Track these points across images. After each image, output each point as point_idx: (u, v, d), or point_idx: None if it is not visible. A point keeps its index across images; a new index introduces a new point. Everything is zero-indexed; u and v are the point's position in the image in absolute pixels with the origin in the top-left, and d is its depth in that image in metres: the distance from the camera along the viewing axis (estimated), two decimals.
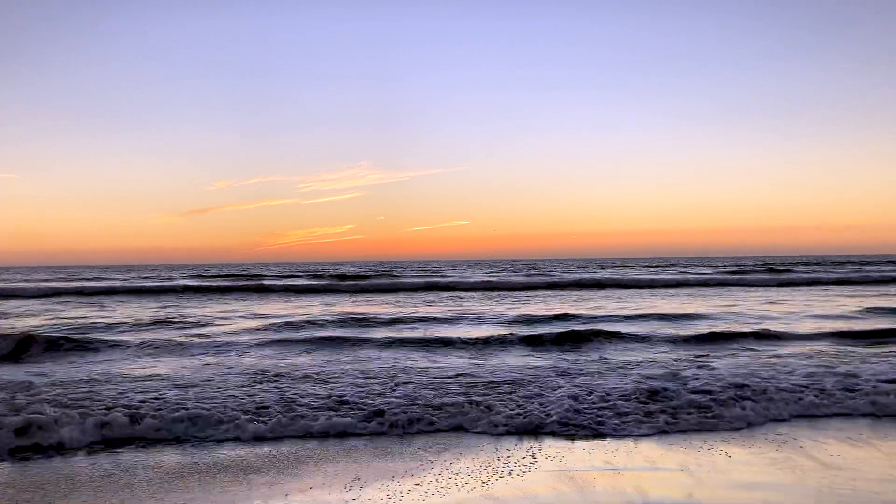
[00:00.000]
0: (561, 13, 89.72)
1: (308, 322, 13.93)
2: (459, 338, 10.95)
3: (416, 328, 13.12)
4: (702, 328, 12.23)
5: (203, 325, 13.71)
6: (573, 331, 11.40)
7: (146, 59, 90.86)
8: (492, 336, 11.16)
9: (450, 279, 33.41)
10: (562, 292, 25.46)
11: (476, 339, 10.89)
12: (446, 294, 25.06)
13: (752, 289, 26.32)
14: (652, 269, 48.54)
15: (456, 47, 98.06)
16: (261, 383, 7.12)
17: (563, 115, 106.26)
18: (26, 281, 38.09)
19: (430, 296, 23.98)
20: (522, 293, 24.97)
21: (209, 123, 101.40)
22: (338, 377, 7.46)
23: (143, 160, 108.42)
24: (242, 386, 6.97)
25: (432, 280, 31.78)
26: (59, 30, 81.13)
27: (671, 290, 25.83)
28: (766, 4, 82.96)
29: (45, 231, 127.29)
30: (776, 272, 38.58)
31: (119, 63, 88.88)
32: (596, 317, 14.58)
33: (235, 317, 15.67)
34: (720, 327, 12.34)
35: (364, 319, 14.41)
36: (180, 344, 10.55)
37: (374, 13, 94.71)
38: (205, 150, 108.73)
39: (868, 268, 43.83)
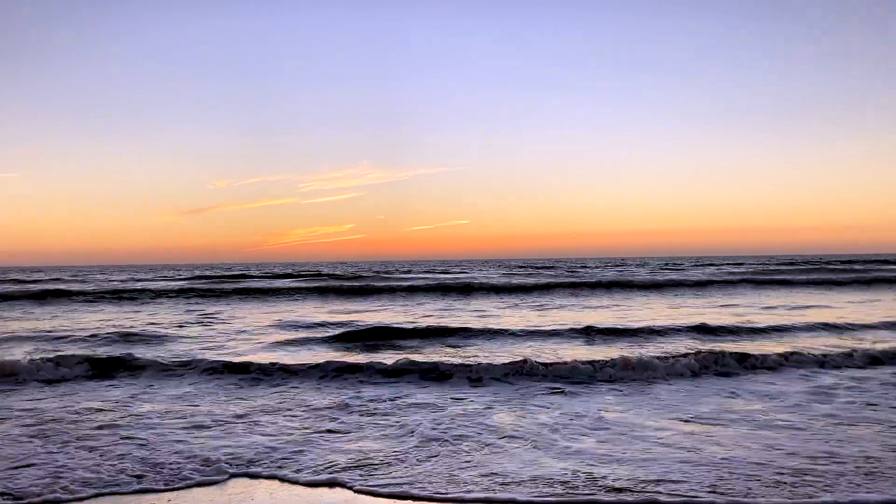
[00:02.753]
0: (561, 13, 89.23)
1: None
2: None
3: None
4: None
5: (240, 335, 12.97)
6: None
7: (146, 59, 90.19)
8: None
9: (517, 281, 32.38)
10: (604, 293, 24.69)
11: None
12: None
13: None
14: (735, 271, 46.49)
15: (456, 47, 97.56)
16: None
17: (563, 115, 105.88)
18: (53, 282, 37.18)
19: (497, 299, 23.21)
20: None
21: (210, 123, 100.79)
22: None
23: (143, 159, 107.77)
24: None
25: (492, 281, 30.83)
26: (59, 30, 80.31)
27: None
28: (767, 5, 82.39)
29: (46, 231, 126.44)
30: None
31: (119, 63, 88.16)
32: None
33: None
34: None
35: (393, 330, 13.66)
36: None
37: (374, 13, 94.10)
38: (205, 149, 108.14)
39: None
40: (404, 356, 9.62)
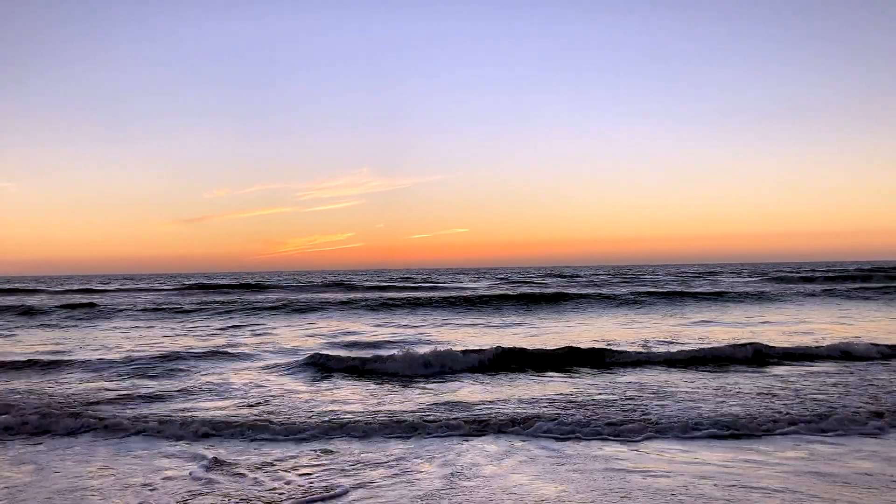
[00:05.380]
0: (562, 16, 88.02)
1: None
2: None
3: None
4: None
5: None
6: None
7: (145, 67, 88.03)
8: None
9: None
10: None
11: None
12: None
13: None
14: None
15: (456, 54, 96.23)
16: None
17: (563, 121, 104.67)
18: (80, 294, 34.43)
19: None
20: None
21: (209, 131, 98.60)
22: None
23: (143, 168, 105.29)
24: None
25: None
26: (59, 38, 78.00)
27: None
28: (769, 6, 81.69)
29: (45, 240, 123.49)
30: None
31: (119, 71, 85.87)
32: None
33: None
34: None
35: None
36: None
37: (374, 19, 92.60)
38: (205, 157, 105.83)
39: None
40: None
